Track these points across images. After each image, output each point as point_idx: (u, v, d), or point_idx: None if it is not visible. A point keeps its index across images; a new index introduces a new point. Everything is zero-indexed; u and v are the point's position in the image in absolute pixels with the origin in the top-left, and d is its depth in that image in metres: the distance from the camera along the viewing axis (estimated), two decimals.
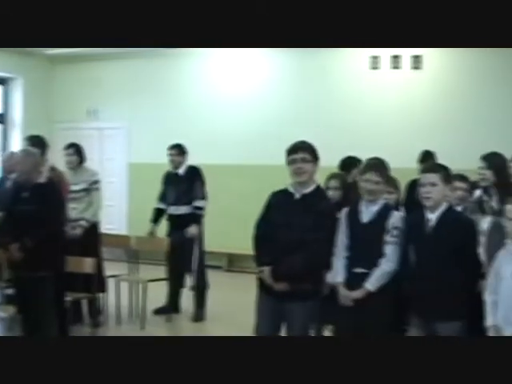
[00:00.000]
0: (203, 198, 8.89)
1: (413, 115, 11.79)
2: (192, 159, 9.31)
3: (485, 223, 5.49)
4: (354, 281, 5.21)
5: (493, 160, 5.68)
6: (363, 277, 5.17)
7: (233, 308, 7.88)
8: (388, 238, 5.17)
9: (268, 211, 5.44)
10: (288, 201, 5.31)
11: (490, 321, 4.70)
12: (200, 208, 8.85)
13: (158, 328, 8.47)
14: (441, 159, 6.42)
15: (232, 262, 12.77)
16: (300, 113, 12.48)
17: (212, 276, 9.49)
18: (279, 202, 5.39)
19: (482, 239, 5.32)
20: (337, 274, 5.31)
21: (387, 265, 5.14)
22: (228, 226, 12.23)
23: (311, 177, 5.31)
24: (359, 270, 5.22)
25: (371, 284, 5.14)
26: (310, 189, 5.29)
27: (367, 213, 5.28)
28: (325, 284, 5.43)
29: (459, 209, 6.03)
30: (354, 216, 5.33)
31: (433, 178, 5.00)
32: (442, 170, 5.08)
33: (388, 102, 12.01)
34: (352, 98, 12.21)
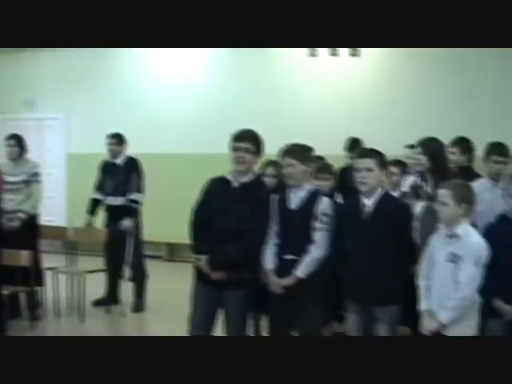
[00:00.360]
0: (139, 190, 8.81)
1: (350, 102, 11.87)
2: (131, 148, 9.25)
3: (418, 208, 5.54)
4: (284, 268, 5.19)
5: (428, 145, 5.68)
6: (293, 263, 5.15)
7: (173, 298, 7.85)
8: (317, 224, 5.15)
9: (205, 198, 5.39)
10: (226, 189, 5.28)
11: (423, 305, 4.75)
12: (135, 201, 8.77)
13: (97, 320, 8.40)
14: (377, 146, 6.45)
15: (172, 252, 12.76)
16: (240, 101, 12.47)
17: (152, 266, 9.46)
18: (217, 189, 5.35)
19: (416, 224, 5.37)
20: (267, 261, 5.28)
21: (316, 251, 5.13)
22: (168, 215, 12.12)
23: (251, 167, 5.29)
24: (289, 257, 5.20)
25: (301, 271, 5.12)
26: (248, 178, 5.27)
27: (295, 199, 5.24)
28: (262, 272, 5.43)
29: (395, 194, 6.09)
30: (282, 203, 5.29)
31: (368, 163, 4.98)
32: (378, 155, 5.07)
33: (326, 89, 12.05)
34: (291, 85, 12.24)
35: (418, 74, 11.50)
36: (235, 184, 5.27)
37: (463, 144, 6.64)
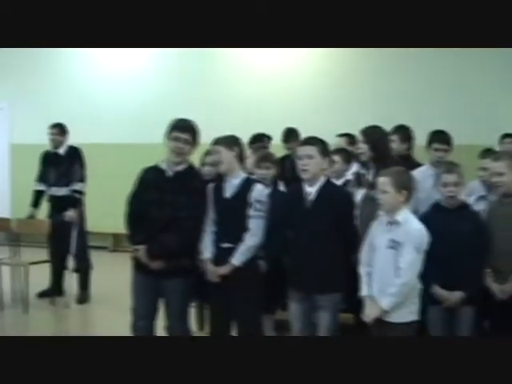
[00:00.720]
0: (82, 180, 8.73)
1: (290, 94, 11.94)
2: (76, 138, 9.16)
3: (359, 195, 5.59)
4: (221, 256, 5.21)
5: (370, 134, 5.70)
6: (230, 251, 5.17)
7: (118, 288, 7.79)
8: (251, 212, 5.17)
9: (139, 188, 5.37)
10: (160, 178, 5.26)
11: (364, 291, 4.80)
12: (78, 191, 8.68)
13: (41, 311, 8.31)
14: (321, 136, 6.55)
15: (117, 242, 12.66)
16: (182, 91, 12.44)
17: (97, 257, 9.44)
18: (151, 179, 5.32)
19: (357, 212, 5.41)
20: (205, 250, 5.30)
21: (251, 239, 5.16)
22: (112, 205, 11.88)
23: (186, 158, 5.29)
24: (226, 245, 5.22)
25: (237, 259, 5.14)
26: (182, 166, 5.26)
27: (230, 188, 5.26)
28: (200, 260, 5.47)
29: (339, 182, 6.13)
30: (218, 191, 5.31)
31: (310, 150, 4.98)
32: (320, 142, 5.07)
33: (269, 81, 12.08)
34: (227, 77, 12.29)
35: (356, 66, 11.64)
36: (169, 173, 5.25)
37: (403, 132, 6.70)
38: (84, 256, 8.83)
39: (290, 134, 9.10)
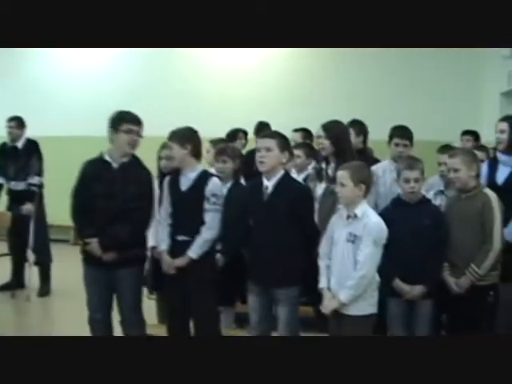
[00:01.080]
0: (39, 174, 8.64)
1: (263, 89, 11.98)
2: (35, 131, 9.09)
3: (319, 190, 5.61)
4: (177, 249, 5.23)
5: (331, 129, 5.69)
6: (186, 244, 5.18)
7: (79, 281, 7.69)
8: (207, 205, 5.18)
9: (84, 181, 5.34)
10: (106, 170, 5.25)
11: (322, 283, 4.84)
12: (35, 185, 8.59)
13: (2, 304, 8.26)
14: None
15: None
16: (149, 84, 12.39)
17: (58, 250, 9.40)
18: (96, 171, 5.29)
19: (316, 205, 5.43)
20: (161, 242, 5.32)
21: (208, 232, 5.17)
22: None
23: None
24: (181, 238, 5.23)
25: (193, 252, 5.15)
26: (127, 158, 5.27)
27: (186, 181, 5.26)
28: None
29: (301, 176, 6.14)
30: (174, 184, 5.31)
31: (268, 142, 4.97)
32: (279, 136, 5.07)
33: (239, 76, 12.12)
34: (200, 72, 12.27)
35: (326, 62, 11.68)
36: (115, 165, 5.25)
37: (357, 126, 6.74)
38: (44, 249, 8.77)
39: (262, 128, 9.08)
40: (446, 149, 6.30)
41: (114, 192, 5.15)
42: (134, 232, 5.17)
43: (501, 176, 5.90)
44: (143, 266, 5.37)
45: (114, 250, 5.15)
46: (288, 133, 6.22)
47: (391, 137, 6.24)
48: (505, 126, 5.95)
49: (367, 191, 4.78)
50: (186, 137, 5.26)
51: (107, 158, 5.28)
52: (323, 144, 5.64)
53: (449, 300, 5.22)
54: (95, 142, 12.10)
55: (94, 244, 5.19)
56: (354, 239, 4.67)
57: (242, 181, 6.00)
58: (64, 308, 8.17)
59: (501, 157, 5.99)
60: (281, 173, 5.01)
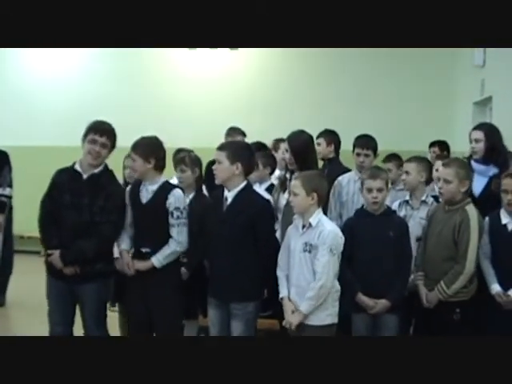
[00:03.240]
0: (10, 185, 8.47)
1: (229, 95, 11.96)
2: (4, 141, 8.98)
3: (283, 200, 5.57)
4: (140, 260, 5.16)
5: (293, 140, 5.60)
6: (149, 256, 5.10)
7: (40, 293, 7.56)
8: (172, 220, 5.09)
9: (53, 190, 5.24)
10: (75, 181, 5.15)
11: (282, 293, 4.80)
12: (7, 196, 8.41)
13: None
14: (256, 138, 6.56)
15: None
16: (119, 93, 12.30)
17: (27, 261, 9.36)
18: (66, 181, 5.19)
19: (279, 216, 5.36)
20: (121, 242, 5.25)
21: (176, 245, 5.10)
22: None
23: (103, 160, 5.19)
24: (145, 250, 5.15)
25: (157, 260, 5.08)
26: (98, 169, 5.16)
27: (146, 193, 5.18)
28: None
29: (262, 187, 6.06)
30: (134, 196, 5.22)
31: (218, 155, 4.93)
32: (231, 147, 5.00)
33: (205, 82, 12.08)
34: (170, 78, 12.22)
35: (293, 67, 11.80)
36: (84, 176, 5.15)
37: (329, 136, 6.70)
38: (8, 260, 8.61)
39: (230, 133, 8.91)
40: (392, 157, 6.50)
41: (80, 204, 5.06)
42: (98, 247, 5.06)
43: (477, 187, 5.77)
44: (109, 281, 5.26)
45: (76, 264, 5.06)
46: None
47: (354, 146, 6.19)
48: (480, 134, 5.87)
49: (321, 200, 4.74)
50: (150, 150, 5.13)
51: (78, 167, 5.18)
52: (285, 155, 5.65)
53: (417, 310, 5.25)
54: (67, 152, 12.11)
55: (55, 256, 5.10)
56: (310, 249, 4.65)
57: (205, 191, 5.91)
58: (19, 318, 8.19)
59: (476, 167, 5.85)
60: (242, 185, 4.92)
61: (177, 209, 5.08)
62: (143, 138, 5.22)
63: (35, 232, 11.59)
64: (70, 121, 12.12)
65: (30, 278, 9.08)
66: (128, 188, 5.34)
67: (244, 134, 8.43)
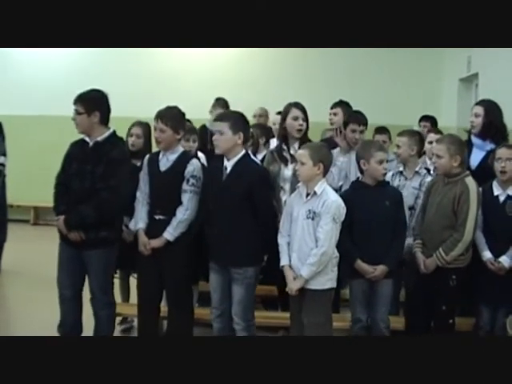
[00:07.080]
0: (4, 154, 8.48)
1: (216, 70, 12.14)
2: None
3: (289, 171, 5.70)
4: (154, 227, 5.27)
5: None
6: (162, 223, 5.23)
7: (35, 261, 7.69)
8: (185, 186, 5.20)
9: (65, 161, 5.34)
10: (82, 150, 5.26)
11: (284, 260, 4.94)
12: (1, 164, 8.44)
13: None
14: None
15: (38, 216, 12.47)
16: (105, 62, 12.28)
17: (18, 230, 9.32)
18: (75, 151, 5.32)
19: (287, 186, 5.56)
20: (138, 220, 5.34)
21: (184, 213, 5.20)
22: (34, 179, 11.79)
23: (90, 127, 5.21)
24: (158, 217, 5.27)
25: (169, 233, 5.20)
26: (102, 136, 5.23)
27: (166, 162, 5.28)
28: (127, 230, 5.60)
29: (258, 157, 6.16)
30: (153, 164, 5.33)
31: (220, 126, 5.02)
32: (232, 118, 5.10)
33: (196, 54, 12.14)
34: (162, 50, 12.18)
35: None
36: (90, 144, 5.25)
37: (345, 108, 6.84)
38: (2, 228, 8.65)
39: (216, 104, 8.95)
40: (381, 130, 6.87)
41: (84, 171, 5.15)
42: (96, 212, 5.10)
43: (474, 160, 5.98)
44: (113, 248, 5.32)
45: (78, 229, 5.14)
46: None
47: (347, 122, 6.27)
48: (480, 109, 6.03)
49: (326, 171, 4.88)
50: (180, 122, 5.29)
51: (87, 138, 5.27)
52: (302, 125, 5.78)
53: (409, 275, 5.48)
54: (57, 122, 12.11)
55: (60, 221, 5.19)
56: (313, 216, 4.78)
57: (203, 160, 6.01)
58: (15, 285, 8.12)
59: (474, 140, 6.06)
60: (240, 154, 5.05)
61: (193, 176, 5.21)
62: (170, 109, 5.33)
63: (25, 201, 11.68)
64: (61, 90, 12.17)
65: (21, 247, 9.23)
66: (146, 158, 5.43)
67: (227, 106, 8.54)
